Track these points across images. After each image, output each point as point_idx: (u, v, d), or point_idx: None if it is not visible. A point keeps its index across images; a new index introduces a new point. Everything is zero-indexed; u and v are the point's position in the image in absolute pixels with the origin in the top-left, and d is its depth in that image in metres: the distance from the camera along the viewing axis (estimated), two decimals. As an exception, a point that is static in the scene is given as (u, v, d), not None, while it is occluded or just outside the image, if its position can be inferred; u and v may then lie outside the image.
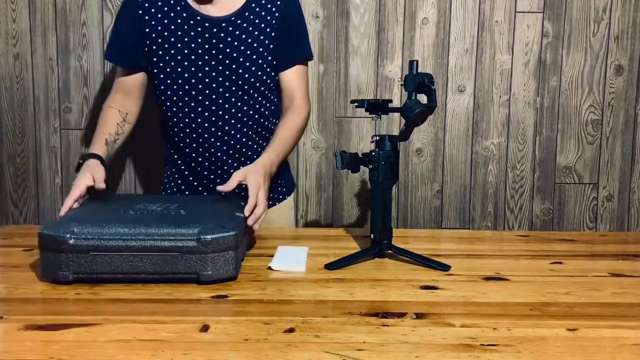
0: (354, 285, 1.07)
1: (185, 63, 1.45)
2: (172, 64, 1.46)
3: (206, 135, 1.50)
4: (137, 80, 1.51)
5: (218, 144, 1.51)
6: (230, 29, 1.45)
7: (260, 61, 1.48)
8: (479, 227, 2.11)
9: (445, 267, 1.18)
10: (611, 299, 1.03)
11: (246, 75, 1.48)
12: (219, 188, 1.24)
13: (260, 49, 1.48)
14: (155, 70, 1.48)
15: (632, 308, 0.99)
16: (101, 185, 1.26)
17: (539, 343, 0.83)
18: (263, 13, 1.48)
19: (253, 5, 1.47)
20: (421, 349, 0.81)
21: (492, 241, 1.49)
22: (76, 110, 2.00)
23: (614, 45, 2.04)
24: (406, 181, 2.08)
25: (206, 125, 1.50)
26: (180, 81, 1.47)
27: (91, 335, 0.84)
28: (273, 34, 1.48)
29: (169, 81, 1.48)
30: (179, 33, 1.45)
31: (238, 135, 1.51)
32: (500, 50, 2.04)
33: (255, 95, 1.50)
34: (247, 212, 1.19)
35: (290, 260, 1.19)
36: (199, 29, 1.45)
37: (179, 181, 1.58)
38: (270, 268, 1.16)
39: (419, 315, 0.93)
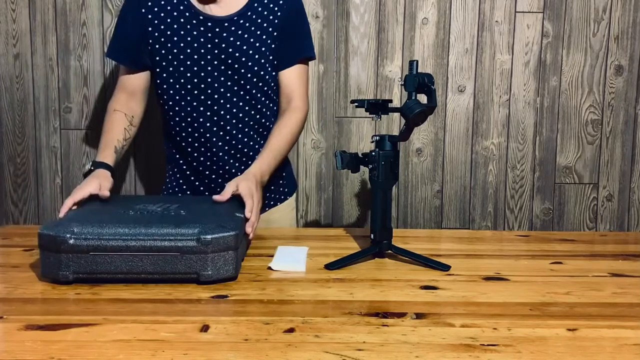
0: (354, 285, 1.07)
1: (188, 62, 1.45)
2: (175, 63, 1.46)
3: (208, 135, 1.50)
4: (141, 80, 1.51)
5: (220, 143, 1.51)
6: (233, 28, 1.45)
7: (262, 61, 1.48)
8: (479, 227, 2.11)
9: (445, 267, 1.18)
10: (611, 299, 1.03)
11: (249, 75, 1.48)
12: (215, 198, 1.25)
13: (263, 49, 1.48)
14: (158, 70, 1.48)
15: (632, 308, 0.99)
16: (105, 193, 1.25)
17: (539, 343, 0.83)
18: (266, 13, 1.48)
19: (256, 5, 1.47)
20: (421, 349, 0.81)
21: (492, 241, 1.49)
22: (76, 110, 2.00)
23: (614, 45, 2.04)
24: (406, 181, 2.08)
25: (208, 124, 1.50)
26: (182, 80, 1.47)
27: (91, 335, 0.84)
28: (275, 34, 1.48)
29: (171, 80, 1.48)
30: (182, 32, 1.44)
31: (240, 135, 1.51)
32: (500, 50, 2.04)
33: (258, 95, 1.50)
34: (247, 213, 1.20)
35: (290, 260, 1.19)
36: (202, 28, 1.45)
37: (181, 181, 1.58)
38: (270, 268, 1.16)
39: (419, 315, 0.93)
